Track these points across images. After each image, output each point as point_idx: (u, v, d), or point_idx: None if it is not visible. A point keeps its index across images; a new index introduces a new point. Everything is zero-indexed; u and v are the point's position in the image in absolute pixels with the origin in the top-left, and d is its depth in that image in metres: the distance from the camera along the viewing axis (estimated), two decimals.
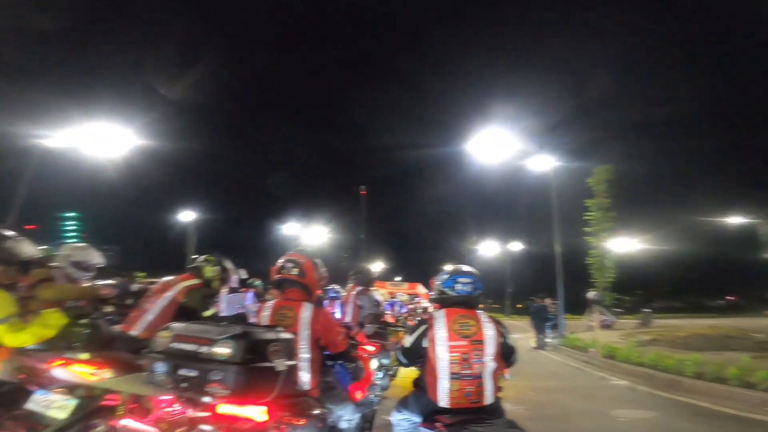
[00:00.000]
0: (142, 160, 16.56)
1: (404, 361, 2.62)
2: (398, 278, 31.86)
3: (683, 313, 39.45)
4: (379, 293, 13.84)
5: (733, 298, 52.13)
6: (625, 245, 23.82)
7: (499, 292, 42.34)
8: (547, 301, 15.57)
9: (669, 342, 12.42)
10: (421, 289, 21.04)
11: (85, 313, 3.19)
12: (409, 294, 21.80)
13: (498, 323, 2.52)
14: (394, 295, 17.60)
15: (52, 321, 2.91)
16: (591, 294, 13.56)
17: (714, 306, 49.89)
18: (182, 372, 1.87)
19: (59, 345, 2.83)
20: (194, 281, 3.28)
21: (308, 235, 29.51)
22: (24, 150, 11.71)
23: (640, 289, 50.70)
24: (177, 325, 2.07)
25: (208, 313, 3.17)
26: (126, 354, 2.72)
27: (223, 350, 1.83)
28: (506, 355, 2.52)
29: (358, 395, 3.19)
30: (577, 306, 20.04)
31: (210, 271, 3.40)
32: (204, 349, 1.86)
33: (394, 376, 5.91)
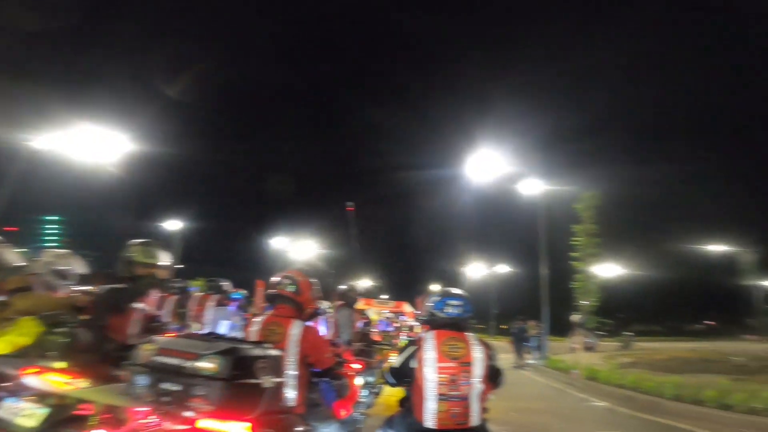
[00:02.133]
0: (131, 166, 16.33)
1: (392, 381, 2.63)
2: (385, 296, 31.71)
3: (663, 336, 40.04)
4: (372, 311, 13.75)
5: (712, 323, 52.97)
6: (610, 270, 24.22)
7: (485, 313, 42.42)
8: (531, 324, 15.78)
9: (649, 364, 12.54)
10: (407, 308, 20.97)
11: (62, 321, 3.12)
12: (394, 312, 21.68)
13: (486, 346, 2.55)
14: (380, 312, 17.46)
15: (28, 329, 2.83)
16: (575, 317, 13.72)
17: (693, 330, 50.70)
18: (164, 386, 1.84)
19: (34, 353, 2.76)
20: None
21: (296, 249, 29.26)
22: (9, 151, 11.52)
23: (622, 313, 51.33)
24: (162, 339, 2.06)
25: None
26: (103, 364, 2.67)
27: (208, 365, 1.81)
28: (493, 377, 2.56)
29: (343, 413, 3.14)
30: (561, 328, 20.16)
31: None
32: (189, 364, 1.84)
33: (378, 394, 5.85)
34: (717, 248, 31.70)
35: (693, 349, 18.14)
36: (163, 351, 1.94)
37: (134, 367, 2.00)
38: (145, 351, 2.02)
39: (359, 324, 6.00)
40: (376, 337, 8.12)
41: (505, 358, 15.19)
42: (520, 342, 14.99)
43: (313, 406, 2.63)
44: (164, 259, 3.16)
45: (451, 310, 2.63)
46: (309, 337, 2.58)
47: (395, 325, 14.91)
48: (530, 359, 14.58)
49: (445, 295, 2.69)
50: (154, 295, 3.24)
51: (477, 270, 38.87)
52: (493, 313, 34.09)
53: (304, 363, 2.57)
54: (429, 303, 2.73)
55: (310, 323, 2.96)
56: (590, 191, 15.40)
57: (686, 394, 6.30)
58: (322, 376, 2.83)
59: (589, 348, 17.02)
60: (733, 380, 7.53)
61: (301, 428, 2.31)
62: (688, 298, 49.21)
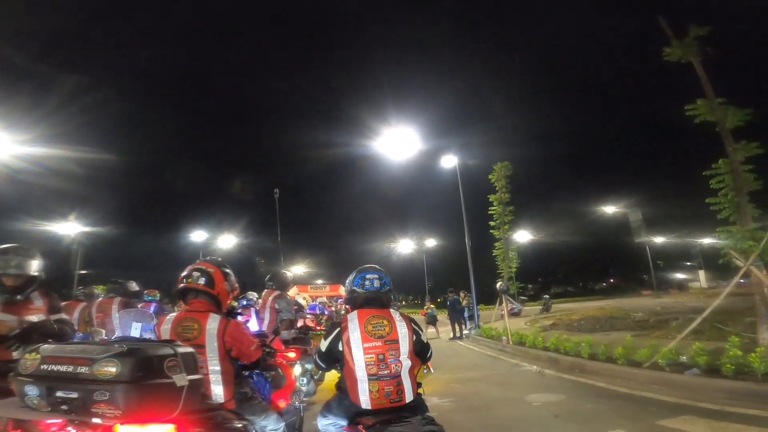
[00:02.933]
0: (24, 166, 14.60)
1: (322, 365, 2.59)
2: (319, 281, 31.59)
3: (576, 297, 44.63)
4: (302, 297, 13.54)
5: (613, 280, 60.01)
6: (525, 236, 26.29)
7: (420, 288, 44.12)
8: (461, 295, 16.65)
9: (566, 325, 13.81)
10: (343, 290, 21.06)
11: None
12: (330, 296, 21.71)
13: (411, 321, 2.54)
14: (315, 298, 17.42)
15: None
16: (499, 284, 14.67)
17: (599, 289, 57.13)
18: (60, 394, 1.75)
19: None
20: None
21: (220, 241, 27.94)
22: None
23: (540, 277, 56.40)
24: (46, 347, 1.91)
25: None
26: None
27: (107, 369, 1.72)
28: (421, 352, 2.54)
29: (282, 403, 3.09)
30: (490, 296, 21.62)
31: None
32: (83, 370, 1.75)
33: (320, 380, 5.75)
34: (611, 209, 35.76)
35: (601, 308, 20.27)
36: (50, 359, 1.84)
37: (20, 378, 1.83)
38: (29, 360, 1.85)
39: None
40: (311, 323, 8.09)
41: (445, 332, 16.05)
42: (455, 313, 15.57)
43: (246, 400, 2.55)
44: (18, 266, 2.82)
45: (369, 284, 2.62)
46: (230, 330, 2.48)
47: (331, 309, 14.92)
48: (465, 330, 15.29)
49: (362, 271, 2.69)
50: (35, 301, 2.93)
51: (407, 246, 40.12)
52: (427, 288, 35.57)
53: (228, 357, 2.46)
54: (347, 283, 2.73)
55: (239, 317, 2.86)
56: (502, 162, 16.34)
57: (600, 352, 6.92)
58: (252, 368, 2.73)
59: (515, 313, 18.40)
60: (636, 336, 8.54)
61: (235, 423, 2.25)
62: (593, 259, 55.09)
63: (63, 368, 1.79)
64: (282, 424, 2.69)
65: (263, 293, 5.74)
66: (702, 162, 6.67)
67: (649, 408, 4.70)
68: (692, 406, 4.60)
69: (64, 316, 3.10)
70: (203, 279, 2.59)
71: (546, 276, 58.09)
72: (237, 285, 2.80)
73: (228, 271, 2.73)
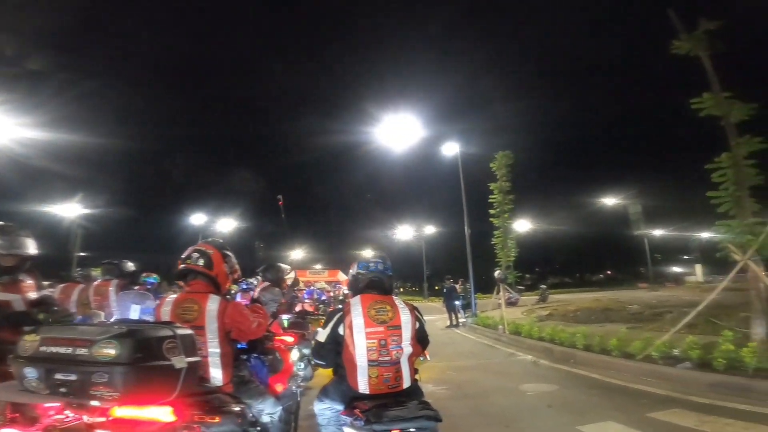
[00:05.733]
0: (25, 150, 14.65)
1: (321, 362, 2.58)
2: (318, 266, 31.68)
3: (572, 287, 44.86)
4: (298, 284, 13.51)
5: (610, 272, 60.34)
6: (524, 226, 26.34)
7: (418, 275, 44.24)
8: (459, 283, 16.75)
9: (562, 316, 13.93)
10: (342, 275, 21.10)
11: None
12: (329, 282, 21.78)
13: (413, 308, 2.56)
14: (312, 284, 17.47)
15: None
16: (497, 273, 14.73)
17: (596, 280, 57.49)
18: (59, 376, 1.74)
19: None
20: None
21: (220, 224, 27.95)
22: None
23: (538, 267, 56.67)
24: (46, 328, 1.91)
25: None
26: None
27: (106, 351, 1.72)
28: (422, 339, 2.57)
29: (279, 387, 3.11)
30: (487, 285, 21.76)
31: None
32: (83, 351, 1.74)
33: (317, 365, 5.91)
34: (611, 200, 35.87)
35: (597, 299, 20.45)
36: (49, 340, 1.83)
37: (19, 360, 1.83)
38: (28, 342, 1.86)
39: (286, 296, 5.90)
40: (309, 308, 8.12)
41: (441, 319, 16.19)
42: (451, 301, 15.66)
43: (244, 384, 2.56)
44: (16, 246, 2.85)
45: (373, 266, 2.65)
46: (229, 311, 2.47)
47: (330, 294, 14.97)
48: (462, 318, 15.42)
49: (365, 257, 2.75)
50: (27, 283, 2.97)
51: (406, 233, 40.20)
52: (426, 275, 35.72)
53: (227, 339, 2.47)
54: (352, 268, 2.75)
55: (237, 298, 2.87)
56: (504, 151, 16.35)
57: (594, 343, 7.00)
58: (251, 352, 2.75)
59: (512, 303, 18.52)
60: (630, 329, 8.61)
61: (233, 407, 2.26)
62: (591, 250, 55.31)
63: (62, 350, 1.79)
64: (279, 408, 2.72)
65: (257, 281, 5.73)
66: (704, 156, 6.66)
67: (641, 400, 4.77)
68: (683, 399, 4.67)
69: (46, 292, 3.16)
70: (202, 260, 2.58)
71: (544, 266, 58.38)
72: (237, 267, 2.80)
73: (228, 253, 2.71)
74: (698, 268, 36.64)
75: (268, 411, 2.63)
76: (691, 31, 6.72)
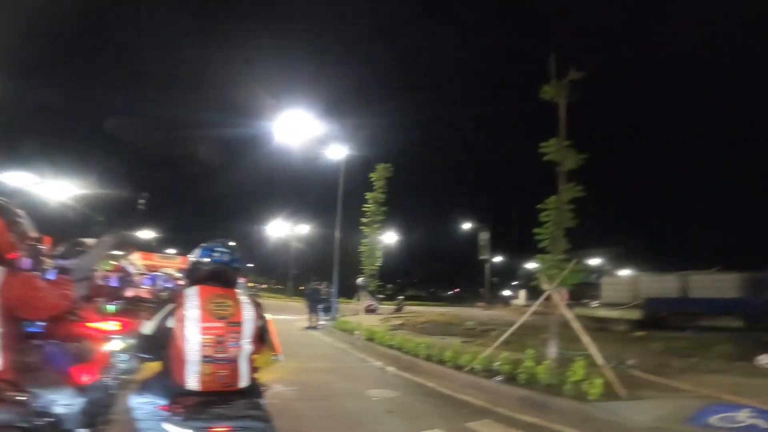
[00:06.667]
0: None
1: (147, 356, 2.37)
2: (172, 251, 28.62)
3: (426, 301, 48.97)
4: (135, 265, 12.16)
5: (458, 290, 67.49)
6: (392, 238, 28.04)
7: (284, 273, 43.17)
8: (324, 285, 17.00)
9: (412, 326, 15.22)
10: None
11: None
12: (180, 269, 19.69)
13: (257, 304, 2.40)
14: (157, 268, 15.68)
15: None
16: (360, 280, 15.22)
17: (447, 296, 63.70)
18: None
19: None
20: None
21: (45, 189, 23.11)
22: None
23: (399, 278, 60.61)
24: None
25: None
26: None
27: None
28: (262, 337, 2.45)
29: (85, 378, 2.76)
30: (350, 290, 22.43)
31: None
32: None
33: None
34: (467, 225, 41.19)
35: (443, 314, 22.80)
36: None
37: None
38: None
39: (113, 280, 5.36)
40: (145, 294, 7.41)
41: (302, 320, 16.16)
42: (313, 303, 15.79)
43: (31, 371, 2.25)
44: None
45: (218, 255, 2.44)
46: (15, 285, 2.06)
47: (179, 283, 13.68)
48: (322, 320, 15.61)
49: (210, 245, 2.51)
50: None
51: (278, 229, 39.12)
52: (292, 274, 35.10)
53: (11, 318, 2.07)
54: (193, 256, 2.49)
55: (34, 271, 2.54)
56: (385, 162, 17.30)
57: (434, 354, 7.78)
58: (48, 337, 2.48)
59: (371, 310, 19.50)
60: (464, 342, 9.86)
61: (10, 394, 2.00)
62: (444, 268, 61.34)
63: None
64: (81, 400, 2.48)
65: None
66: (546, 196, 7.27)
67: (462, 410, 5.37)
68: (494, 410, 5.23)
69: None
70: None
71: (405, 278, 62.61)
72: (30, 231, 2.37)
73: (15, 218, 2.26)
74: (522, 293, 43.41)
75: (62, 402, 2.37)
76: (560, 79, 7.26)
